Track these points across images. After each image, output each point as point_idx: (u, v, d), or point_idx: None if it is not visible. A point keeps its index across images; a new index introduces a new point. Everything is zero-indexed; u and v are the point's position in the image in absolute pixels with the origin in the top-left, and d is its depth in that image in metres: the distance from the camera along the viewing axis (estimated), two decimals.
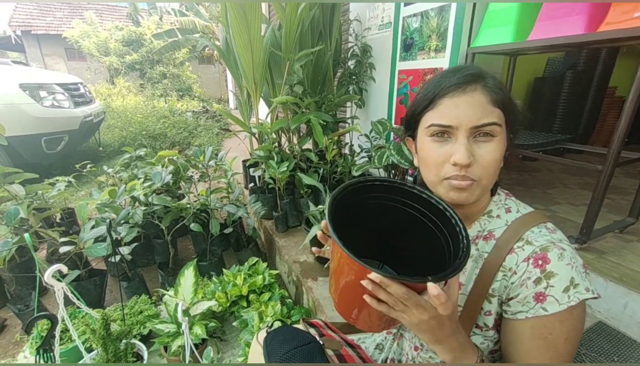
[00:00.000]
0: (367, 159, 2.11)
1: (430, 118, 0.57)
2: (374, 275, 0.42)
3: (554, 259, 0.51)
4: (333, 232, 0.46)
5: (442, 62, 1.94)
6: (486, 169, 0.54)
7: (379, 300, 0.45)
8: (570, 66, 2.97)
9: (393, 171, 1.91)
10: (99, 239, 1.50)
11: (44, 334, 0.82)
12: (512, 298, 0.54)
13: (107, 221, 1.22)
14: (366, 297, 0.45)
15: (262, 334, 0.81)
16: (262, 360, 0.74)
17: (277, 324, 0.84)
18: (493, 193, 0.64)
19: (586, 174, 2.57)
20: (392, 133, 1.94)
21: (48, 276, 0.91)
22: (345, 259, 0.46)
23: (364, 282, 0.43)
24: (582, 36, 1.28)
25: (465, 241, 0.49)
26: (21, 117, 3.04)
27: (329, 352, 0.74)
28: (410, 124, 0.64)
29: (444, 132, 0.56)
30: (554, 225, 0.58)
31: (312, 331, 0.82)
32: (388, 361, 0.86)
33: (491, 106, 0.53)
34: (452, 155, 0.54)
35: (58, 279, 1.00)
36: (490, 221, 0.62)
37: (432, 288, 0.41)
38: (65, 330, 1.32)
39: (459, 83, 0.54)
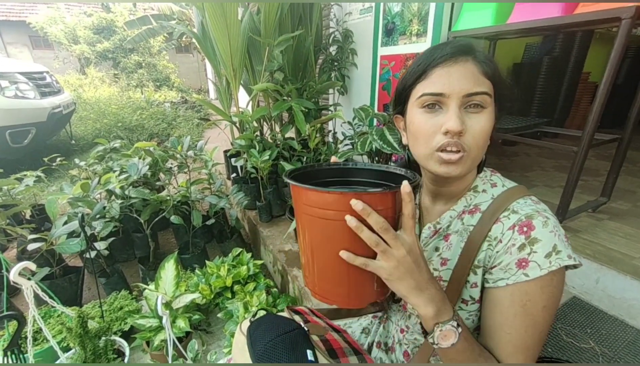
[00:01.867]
0: (350, 146, 2.10)
1: (422, 88, 0.56)
2: (354, 202, 0.44)
3: (539, 226, 0.51)
4: (290, 178, 0.50)
5: (424, 46, 1.93)
6: (476, 140, 0.54)
7: (357, 252, 0.47)
8: (547, 51, 3.04)
9: (377, 158, 1.91)
10: (72, 236, 1.43)
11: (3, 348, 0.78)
12: (494, 266, 0.55)
13: (80, 215, 1.16)
14: (343, 253, 0.47)
15: (246, 324, 0.79)
16: (245, 351, 0.72)
17: (261, 313, 0.83)
18: (479, 170, 0.64)
19: (562, 157, 2.66)
20: (374, 119, 1.93)
21: (14, 274, 0.85)
22: (319, 201, 0.47)
23: (348, 218, 0.45)
24: (558, 19, 1.30)
25: (414, 176, 0.56)
26: None
27: (314, 338, 0.73)
28: (400, 99, 0.63)
29: (435, 103, 0.55)
30: (537, 198, 0.59)
31: (297, 318, 0.81)
32: (374, 344, 0.86)
33: (482, 77, 0.54)
34: (443, 125, 0.54)
35: (28, 278, 0.94)
36: (476, 196, 0.62)
37: (405, 186, 0.45)
38: (40, 330, 1.27)
39: (452, 53, 0.54)
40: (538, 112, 3.02)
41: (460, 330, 0.49)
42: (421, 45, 1.94)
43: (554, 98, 3.15)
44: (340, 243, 0.47)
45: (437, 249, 0.65)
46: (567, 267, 0.52)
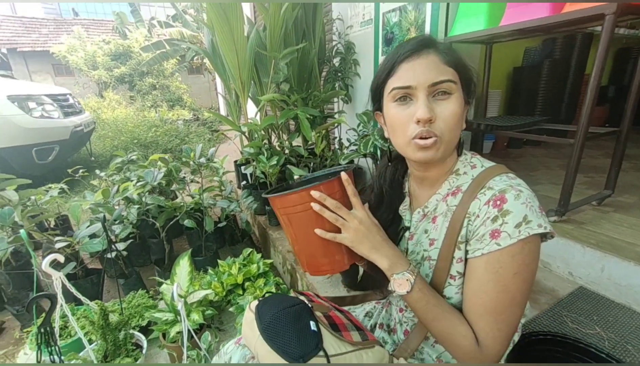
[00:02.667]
0: (353, 151, 2.17)
1: (392, 83, 0.61)
2: (313, 192, 0.61)
3: (511, 199, 0.55)
4: (267, 194, 0.68)
5: None
6: (447, 124, 0.59)
7: (326, 229, 0.63)
8: (547, 55, 3.09)
9: (377, 161, 1.97)
10: (94, 238, 1.52)
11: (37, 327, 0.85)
12: (472, 239, 0.59)
13: (103, 215, 1.25)
14: (317, 230, 0.63)
15: (254, 303, 0.84)
16: (253, 326, 0.76)
17: (269, 295, 0.88)
18: (459, 153, 0.70)
19: (568, 157, 2.65)
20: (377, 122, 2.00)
21: (45, 264, 0.94)
22: (289, 202, 0.64)
23: (313, 204, 0.61)
24: (545, 19, 1.36)
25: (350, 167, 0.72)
26: (10, 129, 3.05)
27: (318, 314, 0.77)
28: (376, 96, 0.69)
29: (405, 96, 0.60)
30: (516, 175, 0.63)
31: (302, 298, 0.86)
32: (377, 326, 0.90)
33: (445, 66, 0.58)
34: (414, 114, 0.59)
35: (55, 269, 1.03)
36: (457, 178, 0.67)
37: (342, 174, 0.64)
38: (64, 327, 1.34)
39: (414, 48, 0.59)
40: (542, 113, 3.04)
41: (414, 281, 0.60)
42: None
43: (558, 101, 3.17)
44: (312, 225, 0.64)
45: (425, 231, 0.69)
46: (542, 238, 0.56)
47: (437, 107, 0.59)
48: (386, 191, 0.79)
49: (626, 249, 1.25)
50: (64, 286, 1.02)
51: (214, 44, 2.46)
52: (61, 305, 1.00)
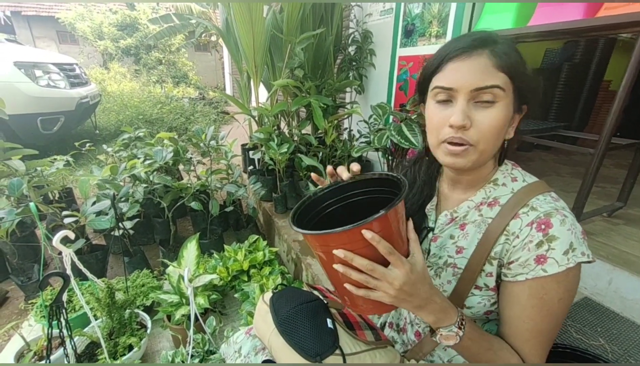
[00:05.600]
0: (365, 144, 2.14)
1: (436, 81, 0.59)
2: (335, 252, 0.48)
3: (557, 224, 0.53)
4: (295, 225, 0.53)
5: None
6: (484, 135, 0.55)
7: (358, 285, 0.51)
8: (567, 57, 3.01)
9: (390, 157, 1.95)
10: (100, 214, 1.51)
11: (47, 304, 0.85)
12: (512, 262, 0.57)
13: (111, 193, 1.24)
14: (346, 285, 0.51)
15: (268, 295, 0.84)
16: (268, 318, 0.76)
17: (282, 287, 0.88)
18: (500, 162, 0.66)
19: (579, 164, 2.63)
20: (390, 117, 1.97)
21: (56, 240, 0.93)
22: (314, 242, 0.52)
23: (335, 266, 0.50)
24: (579, 22, 1.31)
25: (402, 181, 0.54)
26: (16, 96, 3.00)
27: (333, 310, 0.77)
28: (421, 89, 0.66)
29: (446, 96, 0.57)
30: (557, 195, 0.60)
31: (316, 293, 0.85)
32: (387, 324, 0.90)
33: (495, 70, 0.54)
34: (450, 117, 0.56)
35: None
36: (495, 189, 0.64)
37: (366, 233, 0.46)
38: (69, 301, 1.35)
39: (466, 47, 0.55)
40: (556, 118, 2.99)
41: (462, 332, 0.54)
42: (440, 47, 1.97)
43: (573, 105, 3.11)
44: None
45: (452, 236, 0.67)
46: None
47: (477, 114, 0.56)
48: (420, 178, 0.77)
49: (636, 263, 1.25)
50: (72, 263, 1.02)
51: (228, 23, 2.39)
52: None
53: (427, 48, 2.07)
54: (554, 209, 0.55)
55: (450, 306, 0.55)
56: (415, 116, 1.55)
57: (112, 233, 1.39)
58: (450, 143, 0.58)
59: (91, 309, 1.26)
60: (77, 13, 9.30)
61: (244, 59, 2.32)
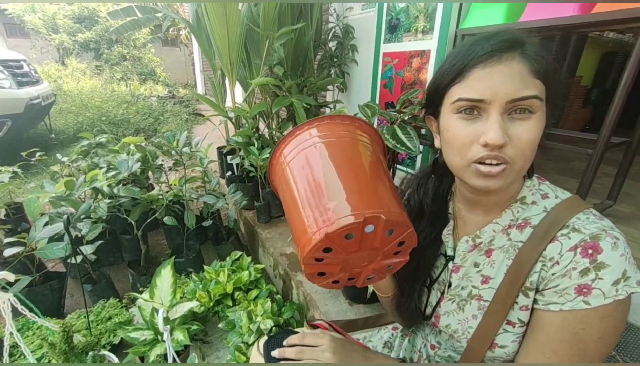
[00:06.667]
0: None
1: (458, 92, 0.49)
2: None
3: (607, 248, 0.44)
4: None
5: (430, 44, 1.87)
6: (522, 151, 0.47)
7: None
8: None
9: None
10: (54, 238, 1.30)
11: None
12: (548, 289, 0.49)
13: (65, 216, 1.04)
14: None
15: (263, 341, 0.71)
16: None
17: (276, 330, 0.75)
18: (529, 176, 0.57)
19: (561, 160, 2.67)
20: (376, 118, 1.86)
21: None
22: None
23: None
24: (575, 18, 1.26)
25: None
26: None
27: None
28: (432, 100, 0.56)
29: (473, 108, 0.48)
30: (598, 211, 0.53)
31: (316, 331, 0.74)
32: (399, 358, 0.80)
33: (532, 77, 0.46)
34: (481, 134, 0.47)
35: (4, 288, 0.83)
36: (524, 209, 0.55)
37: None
38: (14, 346, 1.14)
39: (494, 50, 0.46)
40: None
41: None
42: (427, 43, 1.89)
43: None
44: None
45: (476, 265, 0.58)
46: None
47: (513, 128, 0.46)
48: (427, 206, 0.67)
49: None
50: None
51: (199, 16, 2.18)
52: (10, 333, 0.81)
53: (413, 44, 1.98)
54: (601, 231, 0.46)
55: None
56: (408, 117, 1.46)
57: (69, 261, 1.19)
58: (484, 164, 0.48)
59: (44, 354, 1.07)
60: (26, 5, 8.48)
61: (218, 55, 2.13)
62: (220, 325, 1.20)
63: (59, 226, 1.19)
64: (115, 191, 1.52)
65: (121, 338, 1.17)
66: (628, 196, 1.90)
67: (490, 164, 0.48)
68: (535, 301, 0.51)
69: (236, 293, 1.32)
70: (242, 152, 1.94)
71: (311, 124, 0.57)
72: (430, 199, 0.67)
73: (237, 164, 2.20)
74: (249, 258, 1.50)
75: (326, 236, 0.44)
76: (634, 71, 1.12)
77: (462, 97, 0.48)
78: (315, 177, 0.51)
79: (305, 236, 0.47)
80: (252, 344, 1.05)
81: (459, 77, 0.49)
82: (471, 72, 0.47)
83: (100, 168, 1.73)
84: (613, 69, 3.86)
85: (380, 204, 0.47)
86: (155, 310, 1.06)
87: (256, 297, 1.29)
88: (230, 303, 1.30)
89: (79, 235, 1.40)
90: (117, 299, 1.37)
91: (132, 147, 1.96)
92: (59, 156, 1.92)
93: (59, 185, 1.44)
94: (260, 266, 1.45)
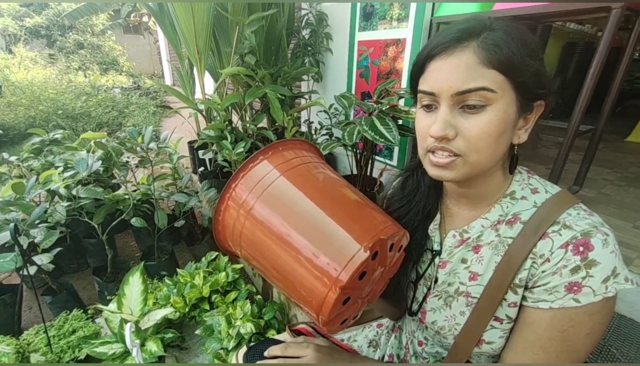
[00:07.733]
0: (327, 137, 1.98)
1: (420, 84, 0.50)
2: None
3: (598, 246, 0.44)
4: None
5: (405, 32, 1.85)
6: (474, 144, 0.46)
7: None
8: None
9: (357, 151, 1.81)
10: (5, 248, 1.17)
11: None
12: (538, 286, 0.48)
13: (12, 224, 0.92)
14: None
15: (242, 352, 0.67)
16: None
17: (257, 339, 0.71)
18: (511, 170, 0.56)
19: (527, 147, 2.77)
20: (352, 109, 1.83)
21: None
22: None
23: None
24: (547, 7, 1.27)
25: None
26: None
27: None
28: (413, 91, 0.55)
29: (430, 101, 0.49)
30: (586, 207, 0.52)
31: (300, 340, 0.71)
32: (386, 358, 0.78)
33: (483, 68, 0.43)
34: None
35: None
36: (514, 204, 0.54)
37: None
38: None
39: (447, 41, 0.45)
40: None
41: None
42: (402, 31, 1.86)
43: None
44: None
45: (464, 261, 0.57)
46: None
47: (463, 121, 0.46)
48: (425, 184, 0.65)
49: None
50: None
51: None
52: None
53: (388, 32, 1.95)
54: (592, 227, 0.46)
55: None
56: (385, 107, 1.43)
57: (21, 273, 1.07)
58: (434, 153, 0.50)
59: None
60: None
61: (184, 43, 1.99)
62: (197, 332, 1.14)
63: (6, 235, 1.07)
64: (74, 192, 1.39)
65: (86, 354, 1.08)
66: (591, 181, 2.00)
67: (439, 155, 0.49)
68: (524, 298, 0.50)
69: (213, 296, 1.25)
70: (214, 147, 1.84)
71: (255, 160, 0.50)
72: (429, 179, 0.65)
73: (210, 159, 2.10)
74: (226, 258, 1.43)
75: (348, 282, 0.39)
76: (601, 60, 1.15)
77: (420, 89, 0.49)
78: (301, 219, 0.46)
79: (317, 292, 0.42)
80: (232, 350, 1.00)
81: (421, 69, 0.49)
82: (429, 64, 0.48)
83: (56, 168, 1.58)
84: (574, 59, 4.05)
85: (375, 224, 0.45)
86: (124, 321, 0.98)
87: (235, 299, 1.23)
88: (207, 307, 1.24)
89: (35, 243, 1.27)
90: (82, 310, 1.26)
91: (92, 144, 1.80)
92: (5, 155, 1.73)
93: (6, 188, 1.29)
94: (238, 266, 1.39)
